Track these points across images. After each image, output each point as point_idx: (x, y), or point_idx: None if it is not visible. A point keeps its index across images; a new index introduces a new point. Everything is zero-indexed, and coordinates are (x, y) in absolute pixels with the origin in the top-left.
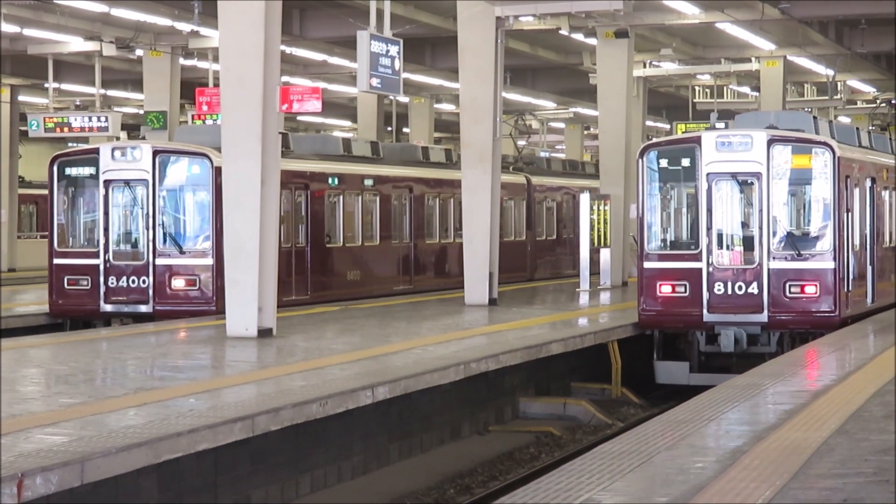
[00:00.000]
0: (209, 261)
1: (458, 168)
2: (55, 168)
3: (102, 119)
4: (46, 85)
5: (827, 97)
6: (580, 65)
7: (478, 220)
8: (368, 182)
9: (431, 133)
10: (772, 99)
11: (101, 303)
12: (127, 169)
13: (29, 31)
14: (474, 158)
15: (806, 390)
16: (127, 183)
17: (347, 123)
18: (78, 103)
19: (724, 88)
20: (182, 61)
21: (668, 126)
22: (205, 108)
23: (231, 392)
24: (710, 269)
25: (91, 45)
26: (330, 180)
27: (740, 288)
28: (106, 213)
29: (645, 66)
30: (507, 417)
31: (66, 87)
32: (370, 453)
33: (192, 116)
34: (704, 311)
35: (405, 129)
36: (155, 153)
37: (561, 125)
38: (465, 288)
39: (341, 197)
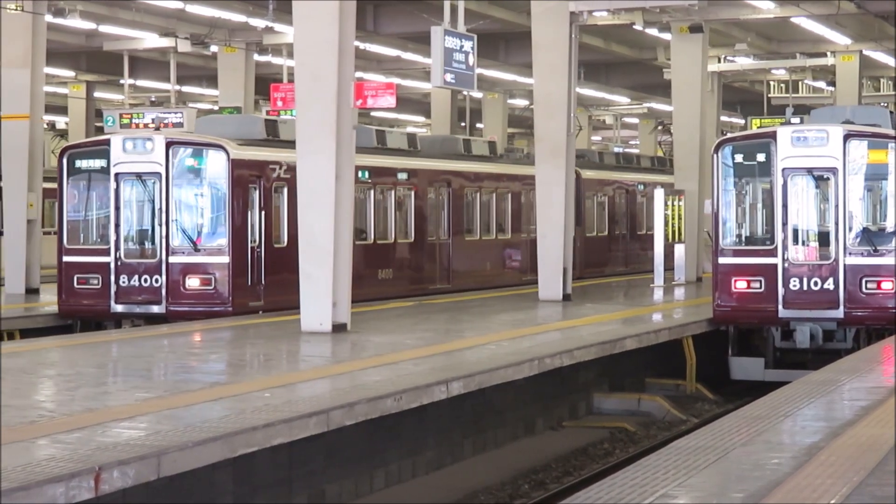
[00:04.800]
0: (225, 258)
1: (502, 161)
2: (65, 160)
3: (177, 115)
4: (122, 81)
5: None
6: (654, 60)
7: (551, 215)
8: (402, 176)
9: (505, 128)
10: (847, 94)
11: (112, 303)
12: (139, 161)
13: (105, 28)
14: (548, 153)
15: (882, 387)
16: (139, 176)
17: (421, 119)
18: (153, 99)
19: (799, 83)
20: (256, 57)
21: (742, 121)
22: (279, 103)
23: (306, 387)
24: (786, 264)
25: (166, 42)
26: (360, 174)
27: (816, 284)
28: (117, 209)
29: (719, 61)
30: (581, 413)
31: (141, 83)
32: (444, 448)
33: (267, 112)
34: (780, 306)
35: (479, 125)
36: (168, 144)
37: (635, 120)
38: (539, 283)
39: (371, 191)
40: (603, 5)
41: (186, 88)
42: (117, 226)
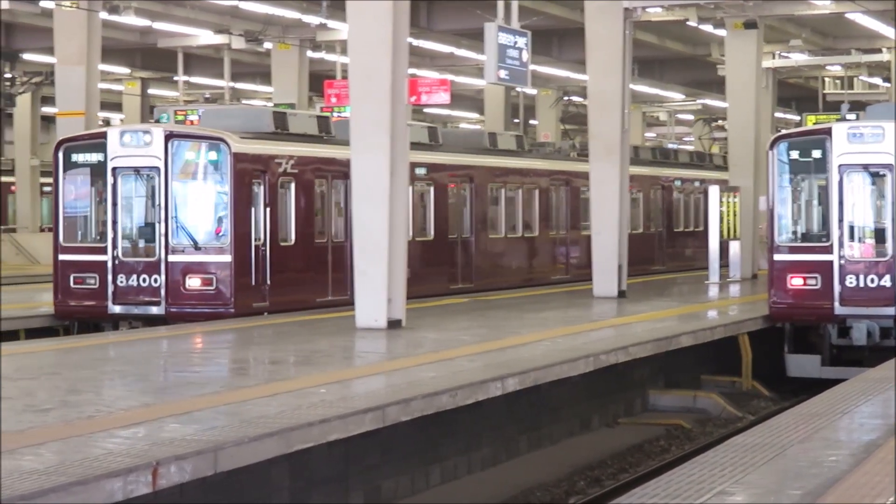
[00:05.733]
0: (227, 257)
1: (531, 156)
2: (60, 154)
3: None
4: (176, 78)
5: None
6: (708, 56)
7: (606, 212)
8: (420, 171)
9: (558, 125)
10: None
11: (110, 304)
12: (137, 155)
13: (159, 25)
14: (602, 150)
15: None
16: (137, 171)
17: (475, 115)
18: (207, 96)
19: (855, 79)
20: (310, 54)
21: (797, 118)
22: (333, 100)
23: (361, 383)
24: (842, 261)
25: (220, 39)
26: None
27: (872, 281)
28: (114, 205)
29: (774, 57)
30: (637, 410)
31: (195, 80)
32: (499, 445)
33: (321, 109)
34: (836, 303)
35: (532, 122)
36: (167, 137)
37: (690, 117)
38: (594, 280)
39: None
40: (657, 2)
41: (240, 85)
42: (115, 223)
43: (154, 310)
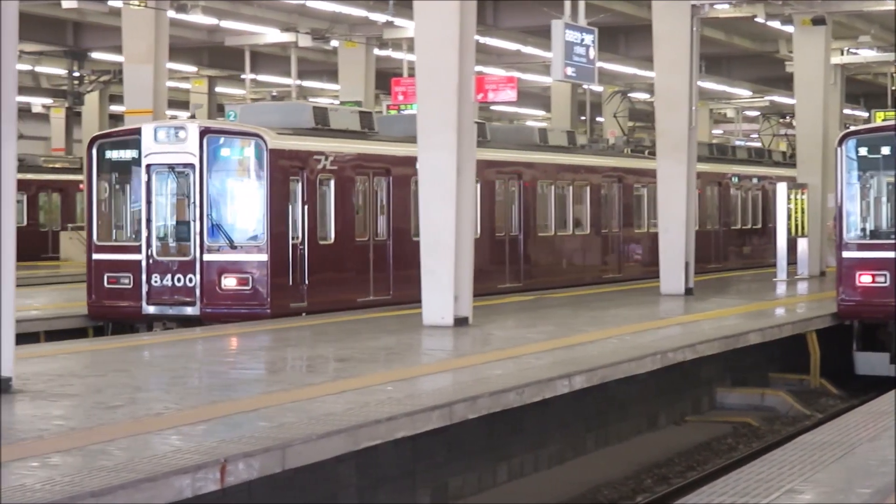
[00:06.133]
0: (263, 256)
1: (582, 153)
2: (94, 151)
3: None
4: (243, 76)
5: None
6: (776, 52)
7: (673, 209)
8: None
9: (626, 122)
10: None
11: (144, 304)
12: (172, 152)
13: (226, 24)
14: (669, 148)
15: None
16: (171, 168)
17: (541, 113)
18: (274, 94)
19: None
20: (376, 52)
21: (866, 114)
22: (400, 97)
23: (428, 380)
24: None
25: (287, 37)
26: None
27: None
28: (148, 203)
29: (842, 54)
30: (704, 408)
31: (262, 78)
32: (566, 442)
33: (387, 106)
34: None
35: (599, 118)
36: (202, 133)
37: (756, 113)
38: (661, 277)
39: None
40: None
41: (307, 83)
42: (149, 221)
43: (189, 310)
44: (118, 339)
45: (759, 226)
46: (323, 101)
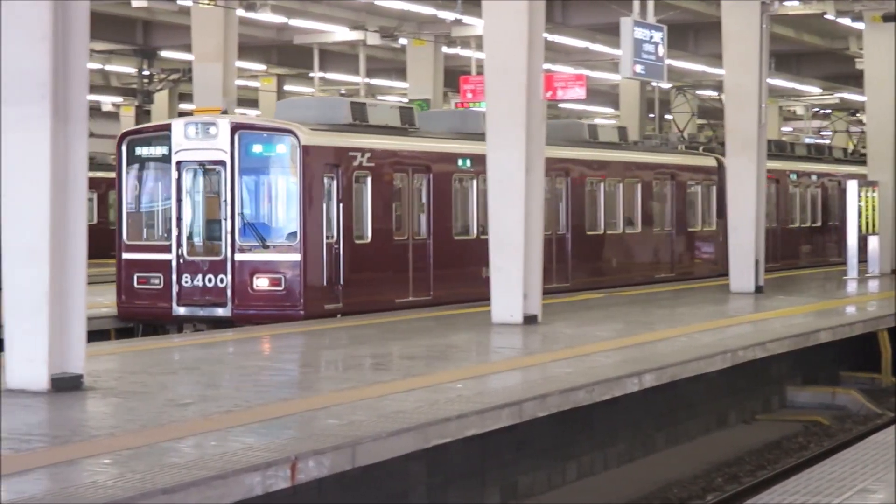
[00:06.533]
0: (296, 256)
1: (634, 150)
2: (124, 147)
3: None
4: (312, 74)
5: None
6: (846, 49)
7: (743, 207)
8: None
9: (694, 120)
10: None
11: (174, 305)
12: (202, 148)
13: (295, 22)
14: (739, 146)
15: None
16: (202, 165)
17: (609, 110)
18: (342, 92)
19: None
20: (445, 50)
21: None
22: (469, 95)
23: (497, 378)
24: None
25: (356, 35)
26: (460, 162)
27: None
28: (179, 201)
29: None
30: (774, 406)
31: (330, 76)
32: (636, 441)
33: (456, 104)
34: None
35: (667, 116)
36: (234, 129)
37: (828, 111)
38: (730, 275)
39: (474, 181)
40: None
41: (375, 81)
42: (179, 220)
43: (220, 311)
44: (186, 337)
45: (819, 224)
46: (392, 99)
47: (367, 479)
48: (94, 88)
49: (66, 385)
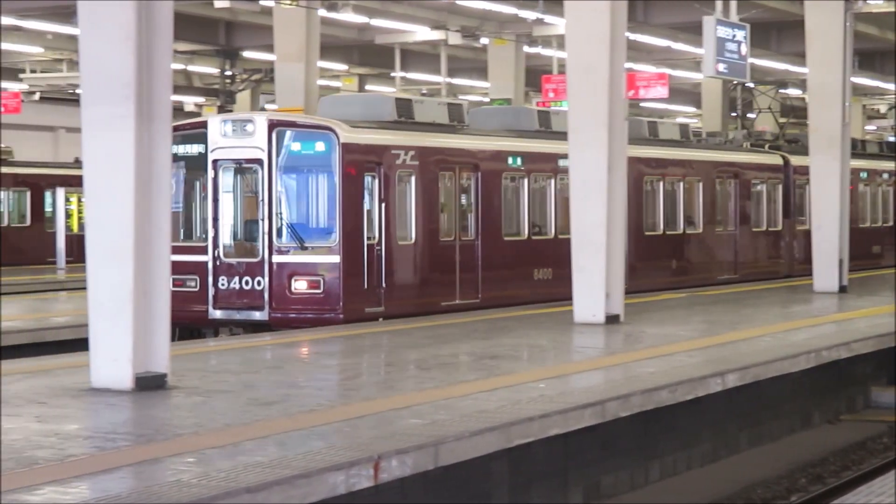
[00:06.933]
0: (336, 258)
1: (695, 147)
2: None
3: None
4: (393, 74)
5: None
6: None
7: (827, 206)
8: (563, 162)
9: (777, 118)
10: None
11: (210, 308)
12: (239, 147)
13: (376, 22)
14: (823, 144)
15: None
16: (238, 163)
17: (691, 109)
18: (424, 92)
19: None
20: (526, 49)
21: None
22: (551, 94)
23: (580, 378)
24: None
25: (437, 35)
26: (510, 160)
27: None
28: (215, 201)
29: None
30: (859, 407)
31: (412, 75)
32: (719, 441)
33: (538, 104)
34: None
35: (750, 115)
36: (271, 126)
37: None
38: (814, 275)
39: (525, 180)
40: None
41: (457, 81)
42: (215, 220)
43: (257, 315)
44: (269, 336)
45: (891, 223)
46: (473, 99)
47: (450, 478)
48: (176, 89)
49: (150, 384)
